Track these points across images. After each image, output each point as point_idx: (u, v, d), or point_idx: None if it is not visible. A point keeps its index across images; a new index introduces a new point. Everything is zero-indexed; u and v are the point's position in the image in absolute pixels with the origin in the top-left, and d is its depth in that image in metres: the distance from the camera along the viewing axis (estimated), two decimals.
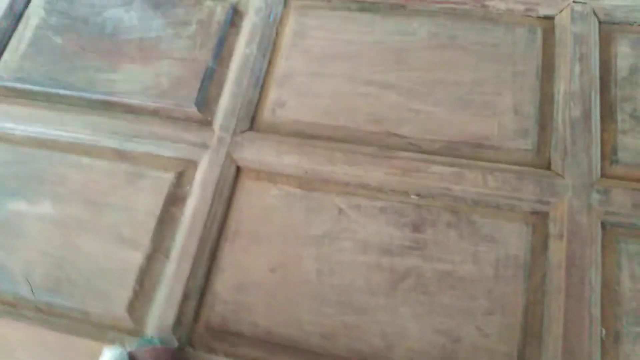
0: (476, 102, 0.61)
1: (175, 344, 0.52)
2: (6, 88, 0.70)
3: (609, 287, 0.50)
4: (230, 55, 0.69)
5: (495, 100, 0.60)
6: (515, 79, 0.61)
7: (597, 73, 0.60)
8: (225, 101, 0.65)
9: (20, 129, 0.67)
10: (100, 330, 0.56)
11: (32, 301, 0.58)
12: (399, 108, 0.62)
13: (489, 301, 0.52)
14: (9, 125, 0.68)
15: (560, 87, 0.59)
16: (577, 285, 0.50)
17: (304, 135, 0.62)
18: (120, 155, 0.65)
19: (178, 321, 0.54)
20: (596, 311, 0.49)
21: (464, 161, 0.58)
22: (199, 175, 0.62)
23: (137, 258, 0.58)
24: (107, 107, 0.67)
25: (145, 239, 0.59)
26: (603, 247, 0.51)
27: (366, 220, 0.57)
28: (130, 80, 0.67)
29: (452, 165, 0.57)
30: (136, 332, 0.56)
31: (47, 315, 0.58)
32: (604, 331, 0.48)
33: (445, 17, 0.66)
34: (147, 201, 0.61)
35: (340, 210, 0.57)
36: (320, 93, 0.64)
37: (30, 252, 0.60)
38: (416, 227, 0.56)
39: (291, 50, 0.67)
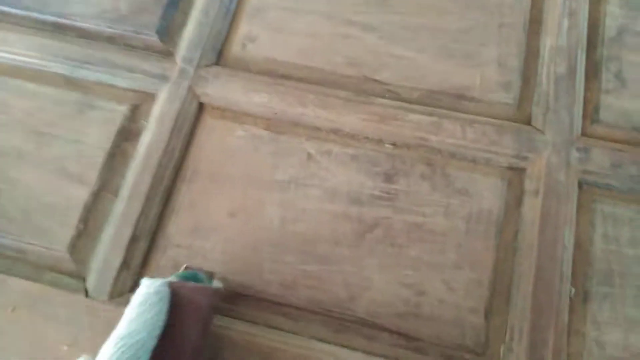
0: (460, 51, 0.57)
1: (221, 287, 0.47)
2: None
3: (580, 247, 0.48)
4: None
5: (480, 51, 0.57)
6: (501, 31, 0.58)
7: (585, 31, 0.57)
8: (190, 31, 0.60)
9: None
10: (38, 271, 0.51)
11: None
12: (379, 52, 0.58)
13: (458, 255, 0.49)
14: None
15: (547, 42, 0.57)
16: (549, 243, 0.48)
17: (275, 75, 0.58)
18: (70, 83, 0.58)
19: (125, 264, 0.50)
20: (567, 270, 0.47)
21: (443, 111, 0.55)
22: (156, 109, 0.56)
23: (82, 194, 0.53)
24: (58, 29, 0.61)
25: (92, 175, 0.54)
26: (578, 206, 0.49)
27: (336, 167, 0.53)
28: (85, 2, 0.61)
29: (430, 114, 0.54)
30: (77, 273, 0.51)
31: None
32: (573, 290, 0.47)
33: None
34: (97, 134, 0.55)
35: (309, 156, 0.53)
36: (295, 30, 0.59)
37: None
38: (388, 177, 0.52)
39: None
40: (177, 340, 0.37)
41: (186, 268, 0.46)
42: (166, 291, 0.38)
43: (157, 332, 0.35)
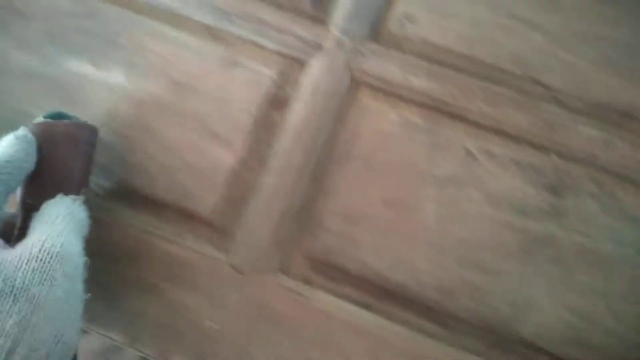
0: (629, 66, 0.54)
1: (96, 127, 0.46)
2: None
3: None
4: None
5: None
6: None
7: None
8: (345, 0, 0.54)
9: None
10: (178, 233, 0.46)
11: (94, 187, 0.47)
12: (543, 53, 0.54)
13: (627, 286, 0.46)
14: None
15: None
16: None
17: (432, 60, 0.53)
18: (213, 35, 0.53)
19: (274, 240, 0.45)
20: None
21: (613, 129, 0.50)
22: (306, 79, 0.52)
23: (228, 158, 0.49)
24: None
25: (238, 139, 0.49)
26: None
27: (499, 170, 0.49)
28: None
29: (601, 130, 0.50)
30: (220, 243, 0.47)
31: (105, 200, 0.47)
32: None
33: None
34: (243, 96, 0.51)
35: (470, 153, 0.50)
36: (456, 16, 0.55)
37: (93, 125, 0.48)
38: (555, 191, 0.49)
39: None
40: (58, 171, 0.38)
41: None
42: (29, 136, 0.38)
43: (21, 164, 0.36)
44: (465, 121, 0.51)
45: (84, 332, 0.45)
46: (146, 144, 0.48)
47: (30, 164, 0.36)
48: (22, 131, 0.39)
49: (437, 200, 0.48)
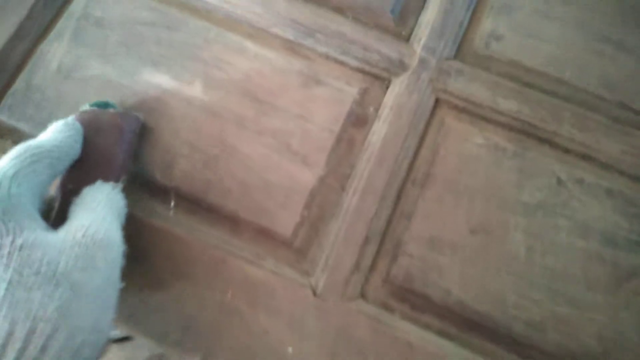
0: None
1: (140, 117, 0.48)
2: None
3: None
4: None
5: None
6: None
7: None
8: (429, 17, 0.53)
9: None
10: (257, 254, 0.45)
11: (169, 200, 0.47)
12: (635, 78, 0.51)
13: None
14: None
15: None
16: None
17: (520, 81, 0.51)
18: (294, 51, 0.52)
19: (357, 265, 0.44)
20: None
21: None
22: (389, 98, 0.50)
23: (308, 178, 0.47)
24: None
25: (319, 158, 0.48)
26: None
27: (589, 199, 0.47)
28: None
29: None
30: (300, 266, 0.45)
31: (183, 216, 0.46)
32: None
33: None
34: (324, 114, 0.49)
35: (559, 181, 0.47)
36: (546, 36, 0.53)
37: (171, 138, 0.48)
38: None
39: None
40: (101, 158, 0.40)
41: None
42: (77, 124, 0.40)
43: (69, 149, 0.37)
44: (555, 146, 0.49)
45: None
46: (226, 160, 0.47)
47: (76, 151, 0.38)
48: (71, 119, 0.41)
49: (526, 229, 0.46)
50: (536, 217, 0.47)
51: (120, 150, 0.41)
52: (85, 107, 0.44)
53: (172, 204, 0.47)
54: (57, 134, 0.38)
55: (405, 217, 0.47)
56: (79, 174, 0.38)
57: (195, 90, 0.50)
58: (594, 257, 0.46)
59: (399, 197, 0.48)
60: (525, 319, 0.44)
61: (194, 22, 0.53)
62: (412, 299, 0.45)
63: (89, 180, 0.37)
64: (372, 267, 0.46)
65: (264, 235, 0.46)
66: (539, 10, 0.54)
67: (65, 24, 0.53)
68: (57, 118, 0.42)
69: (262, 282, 0.44)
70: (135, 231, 0.44)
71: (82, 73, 0.51)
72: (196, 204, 0.47)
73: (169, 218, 0.46)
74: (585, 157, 0.49)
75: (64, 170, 0.38)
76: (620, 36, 0.53)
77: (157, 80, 0.51)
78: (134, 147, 0.45)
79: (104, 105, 0.45)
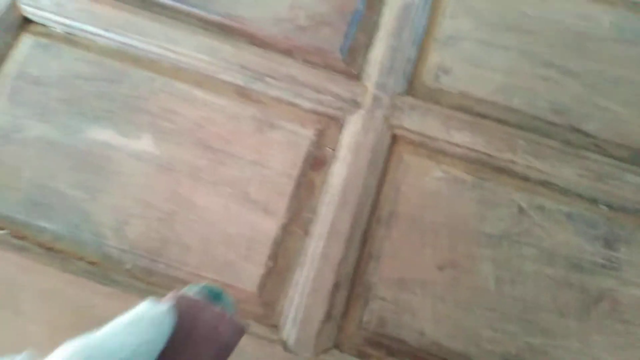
0: None
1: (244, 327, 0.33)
2: None
3: None
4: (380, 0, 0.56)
5: None
6: None
7: None
8: (377, 54, 0.53)
9: (110, 37, 0.52)
10: None
11: (123, 263, 0.44)
12: (582, 101, 0.53)
13: None
14: (94, 29, 0.52)
15: None
16: None
17: (472, 112, 0.52)
18: (245, 96, 0.51)
19: (328, 314, 0.42)
20: None
21: None
22: (346, 138, 0.50)
23: (270, 226, 0.46)
24: (225, 32, 0.53)
25: (280, 205, 0.46)
26: None
27: (551, 225, 0.47)
28: (258, 6, 0.54)
29: None
30: (267, 319, 0.43)
31: (145, 284, 0.44)
32: None
33: (630, 9, 0.57)
34: (281, 158, 0.48)
35: (521, 209, 0.48)
36: (492, 66, 0.54)
37: (124, 198, 0.45)
38: (608, 243, 0.47)
39: (456, 8, 0.56)
40: None
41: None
42: (172, 321, 0.27)
43: (153, 355, 0.25)
44: (513, 175, 0.50)
45: None
46: (182, 215, 0.45)
47: (159, 350, 0.27)
48: (166, 309, 0.28)
49: (493, 260, 0.46)
50: (502, 247, 0.47)
51: None
52: (193, 288, 0.33)
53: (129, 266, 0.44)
54: (136, 335, 0.26)
55: (373, 259, 0.46)
56: None
57: (144, 144, 0.48)
58: (562, 284, 0.46)
59: (365, 238, 0.47)
60: (501, 353, 0.43)
61: (137, 73, 0.51)
62: (387, 344, 0.44)
63: None
64: (344, 314, 0.44)
65: (228, 291, 0.44)
66: (482, 39, 0.55)
67: (1, 85, 0.50)
68: None
69: None
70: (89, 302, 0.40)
71: (23, 135, 0.48)
72: (153, 265, 0.44)
73: (121, 281, 0.43)
74: (544, 184, 0.49)
75: None
76: (564, 60, 0.54)
77: (103, 137, 0.48)
78: None
79: (216, 296, 0.34)
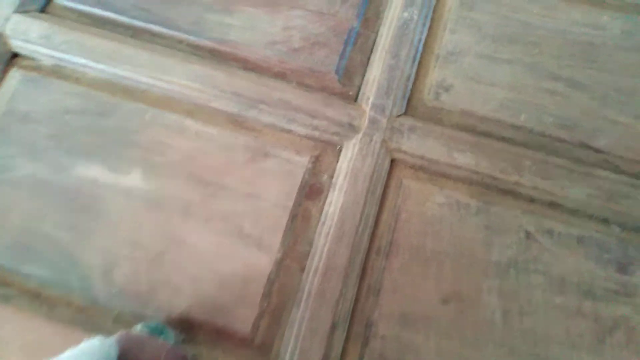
0: None
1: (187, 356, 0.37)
2: (82, 13, 0.53)
3: None
4: (377, 17, 0.54)
5: None
6: None
7: None
8: (374, 74, 0.51)
9: (100, 69, 0.50)
10: (214, 354, 0.41)
11: (111, 309, 0.42)
12: (592, 115, 0.50)
13: None
14: (83, 61, 0.50)
15: None
16: None
17: (475, 131, 0.49)
18: (238, 124, 0.49)
19: (325, 356, 0.40)
20: None
21: None
22: (343, 164, 0.47)
23: (264, 263, 0.44)
24: (217, 57, 0.51)
25: (274, 239, 0.45)
26: None
27: (561, 250, 0.45)
28: (250, 29, 0.52)
29: None
30: (263, 358, 0.41)
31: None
32: None
33: None
34: (276, 189, 0.46)
35: (528, 234, 0.45)
36: (495, 81, 0.51)
37: (113, 239, 0.44)
38: (622, 267, 0.44)
39: (457, 22, 0.53)
40: None
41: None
42: (113, 350, 0.31)
43: None
44: (519, 197, 0.47)
45: None
46: (173, 255, 0.44)
47: None
48: (111, 341, 0.32)
49: (500, 291, 0.43)
50: (509, 276, 0.44)
51: None
52: (138, 327, 0.37)
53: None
54: (89, 356, 0.30)
55: (373, 293, 0.44)
56: None
57: (134, 179, 0.47)
58: (573, 313, 0.43)
59: (363, 271, 0.45)
60: None
61: (127, 105, 0.49)
62: None
63: None
64: (343, 355, 0.42)
65: (221, 335, 0.42)
66: (485, 54, 0.52)
67: None
68: None
69: None
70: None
71: (12, 174, 0.47)
72: (142, 309, 0.43)
73: (108, 329, 0.42)
74: (552, 205, 0.47)
75: None
76: (571, 72, 0.52)
77: (91, 173, 0.47)
78: None
79: (159, 331, 0.38)
